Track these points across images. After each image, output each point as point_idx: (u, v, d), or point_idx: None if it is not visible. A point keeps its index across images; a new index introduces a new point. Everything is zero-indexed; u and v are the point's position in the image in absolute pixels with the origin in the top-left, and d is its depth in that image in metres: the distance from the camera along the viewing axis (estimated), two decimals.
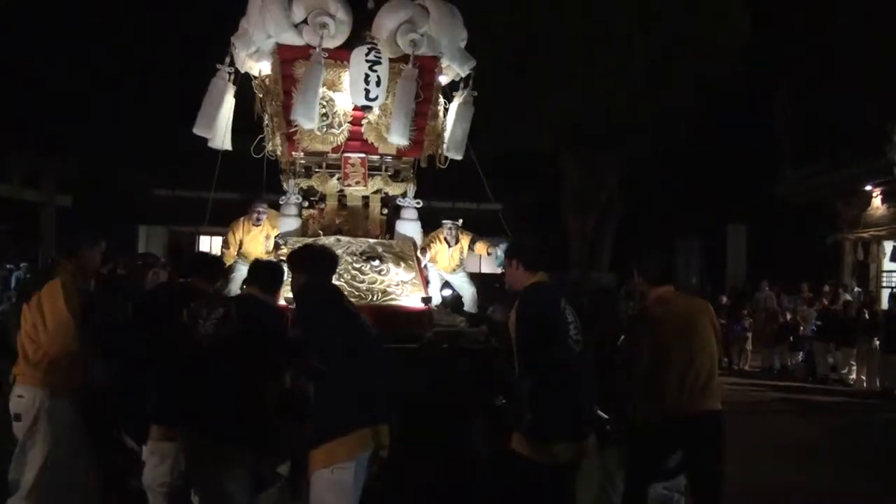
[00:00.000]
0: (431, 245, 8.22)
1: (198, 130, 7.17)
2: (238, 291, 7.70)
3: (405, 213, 7.36)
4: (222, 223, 8.75)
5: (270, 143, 7.31)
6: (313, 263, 4.55)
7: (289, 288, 5.29)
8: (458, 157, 7.44)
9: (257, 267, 5.02)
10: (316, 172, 7.07)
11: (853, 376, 14.96)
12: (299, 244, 5.61)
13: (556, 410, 4.11)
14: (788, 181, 21.16)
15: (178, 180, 21.57)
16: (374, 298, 6.35)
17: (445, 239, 8.37)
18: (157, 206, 22.78)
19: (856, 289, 18.16)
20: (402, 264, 6.67)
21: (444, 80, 7.18)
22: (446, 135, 7.32)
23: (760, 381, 15.46)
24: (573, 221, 18.29)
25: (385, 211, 7.34)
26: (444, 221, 8.44)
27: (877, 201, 19.25)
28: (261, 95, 7.31)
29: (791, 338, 16.41)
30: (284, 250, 6.97)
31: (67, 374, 4.83)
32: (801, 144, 20.51)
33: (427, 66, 6.73)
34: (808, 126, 20.17)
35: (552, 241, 17.97)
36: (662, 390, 4.64)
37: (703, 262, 20.23)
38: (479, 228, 9.08)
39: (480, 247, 8.52)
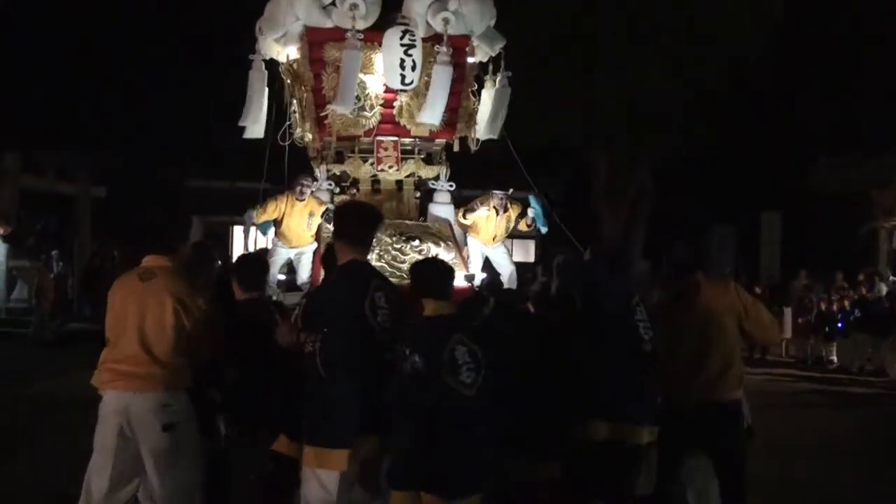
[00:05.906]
0: (480, 207, 7.84)
1: (246, 124, 7.09)
2: (278, 275, 7.67)
3: (438, 197, 7.30)
4: None
5: (299, 129, 7.22)
6: (366, 227, 4.20)
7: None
8: (494, 137, 7.31)
9: None
10: (348, 157, 7.01)
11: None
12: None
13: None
14: (822, 169, 20.86)
15: (210, 171, 21.80)
16: None
17: (495, 206, 7.89)
18: (190, 197, 22.97)
19: (891, 278, 17.81)
20: (442, 244, 6.63)
21: (473, 60, 7.03)
22: (480, 116, 7.20)
23: (795, 371, 15.25)
24: (605, 211, 18.13)
25: (418, 194, 7.27)
26: (493, 192, 7.92)
27: None
28: (288, 81, 7.20)
29: (826, 328, 16.14)
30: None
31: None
32: (835, 131, 20.19)
33: (458, 46, 6.63)
34: (841, 113, 19.84)
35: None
36: (674, 380, 4.67)
37: (737, 249, 19.97)
38: None
39: (523, 224, 8.16)
